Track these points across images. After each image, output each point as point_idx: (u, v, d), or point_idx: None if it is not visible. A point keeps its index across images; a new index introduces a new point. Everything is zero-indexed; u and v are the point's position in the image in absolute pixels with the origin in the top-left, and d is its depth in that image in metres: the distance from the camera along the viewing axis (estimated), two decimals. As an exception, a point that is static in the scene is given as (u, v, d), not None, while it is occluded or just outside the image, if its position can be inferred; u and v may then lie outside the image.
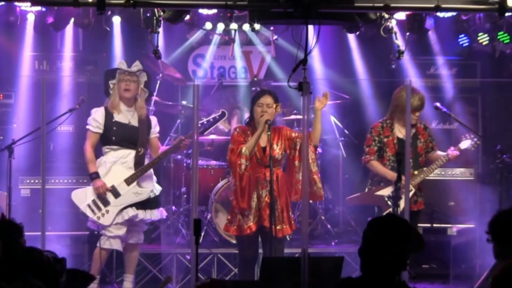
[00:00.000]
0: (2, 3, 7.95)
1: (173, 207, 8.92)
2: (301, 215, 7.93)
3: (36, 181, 8.46)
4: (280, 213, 7.02)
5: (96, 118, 7.41)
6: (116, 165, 7.39)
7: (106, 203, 7.34)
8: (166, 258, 8.32)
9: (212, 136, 9.12)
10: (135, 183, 7.38)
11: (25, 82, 9.02)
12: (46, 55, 9.22)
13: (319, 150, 9.09)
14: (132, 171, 7.39)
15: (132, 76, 7.44)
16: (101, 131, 7.41)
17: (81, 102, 7.76)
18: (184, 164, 8.89)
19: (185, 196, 8.84)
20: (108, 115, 7.42)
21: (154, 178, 7.66)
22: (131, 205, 7.36)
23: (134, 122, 7.47)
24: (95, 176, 7.35)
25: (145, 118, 7.53)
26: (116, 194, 7.34)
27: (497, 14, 6.74)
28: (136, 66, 7.52)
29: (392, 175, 7.27)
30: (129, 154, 7.41)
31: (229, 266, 8.30)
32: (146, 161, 7.50)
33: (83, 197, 7.40)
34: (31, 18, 8.70)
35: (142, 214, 7.41)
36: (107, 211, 7.33)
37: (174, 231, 8.80)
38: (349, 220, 9.13)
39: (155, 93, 9.03)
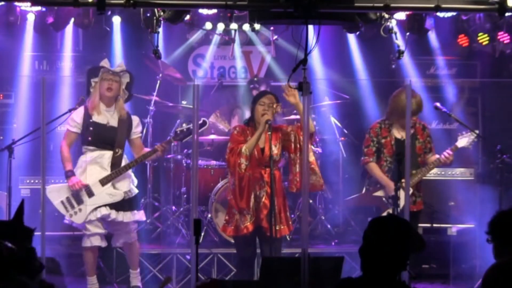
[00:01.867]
0: (2, 3, 7.95)
1: (173, 207, 8.92)
2: (301, 215, 7.92)
3: (36, 181, 8.47)
4: (277, 214, 7.01)
5: (74, 118, 7.47)
6: (91, 164, 7.42)
7: (79, 201, 7.38)
8: (166, 258, 8.32)
9: (212, 136, 9.12)
10: (109, 184, 7.40)
11: (25, 82, 9.02)
12: (46, 55, 9.22)
13: (319, 150, 9.11)
14: (107, 172, 7.41)
15: (115, 76, 7.47)
16: (79, 130, 7.47)
17: (81, 102, 7.75)
18: (184, 164, 8.89)
19: (185, 196, 8.84)
20: (87, 115, 7.46)
21: (135, 180, 7.67)
22: (105, 205, 7.37)
23: (113, 123, 7.49)
24: (70, 174, 7.40)
25: (125, 119, 7.54)
26: (90, 194, 7.38)
27: (497, 14, 6.74)
28: (120, 67, 7.55)
29: (387, 181, 7.28)
30: (105, 155, 7.43)
31: (229, 266, 8.30)
32: (124, 163, 7.51)
33: (58, 193, 7.43)
34: (31, 18, 8.70)
35: (114, 215, 7.41)
36: (80, 210, 7.38)
37: (174, 231, 8.80)
38: (349, 220, 9.12)
39: (154, 93, 9.04)
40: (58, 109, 8.29)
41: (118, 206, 7.42)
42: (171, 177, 8.96)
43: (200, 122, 7.51)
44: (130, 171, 7.59)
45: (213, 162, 8.93)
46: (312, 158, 7.17)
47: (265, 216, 6.96)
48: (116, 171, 7.39)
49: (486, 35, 9.09)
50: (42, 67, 9.19)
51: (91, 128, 7.43)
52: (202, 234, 8.25)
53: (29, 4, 7.69)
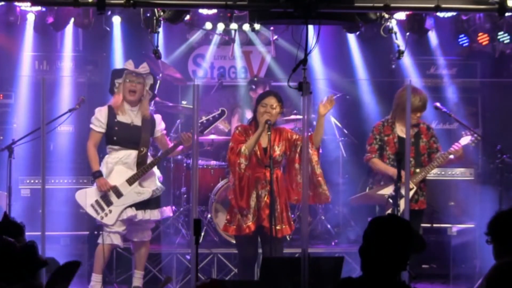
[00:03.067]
0: (2, 3, 7.94)
1: (173, 207, 8.92)
2: (301, 215, 7.93)
3: (36, 181, 8.47)
4: (279, 214, 7.03)
5: (99, 117, 7.45)
6: (117, 165, 7.43)
7: (109, 203, 7.36)
8: (166, 258, 8.32)
9: (212, 136, 9.12)
10: (137, 183, 7.40)
11: (25, 82, 9.02)
12: (46, 55, 9.22)
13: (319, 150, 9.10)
14: (133, 171, 7.41)
15: (138, 77, 7.47)
16: (103, 130, 7.45)
17: (81, 102, 7.77)
18: (184, 164, 8.89)
19: (185, 196, 8.84)
20: (111, 115, 7.45)
21: (160, 177, 7.67)
22: (130, 206, 7.37)
23: (137, 122, 7.49)
24: (98, 174, 7.38)
25: (149, 118, 7.55)
26: (119, 194, 7.37)
27: (497, 14, 6.74)
28: (144, 68, 7.54)
29: (393, 171, 7.25)
30: (130, 155, 7.43)
31: (229, 266, 8.30)
32: (149, 161, 7.51)
33: (87, 197, 7.44)
34: (31, 18, 8.69)
35: (141, 215, 7.42)
36: (110, 211, 7.36)
37: (174, 231, 8.80)
38: (349, 220, 9.13)
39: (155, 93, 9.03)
40: (58, 109, 8.30)
41: (144, 205, 7.42)
42: (171, 177, 8.96)
43: (219, 112, 7.59)
44: (155, 172, 7.59)
45: (213, 162, 8.93)
46: (319, 170, 7.17)
47: (267, 216, 6.96)
48: (142, 169, 7.40)
49: (486, 35, 9.08)
50: (42, 67, 9.19)
51: (116, 128, 7.43)
52: (202, 234, 8.24)
53: (29, 4, 7.68)
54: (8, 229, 4.53)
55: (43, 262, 4.24)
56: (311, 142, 7.03)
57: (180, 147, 7.54)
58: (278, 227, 6.98)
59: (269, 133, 6.90)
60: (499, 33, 8.95)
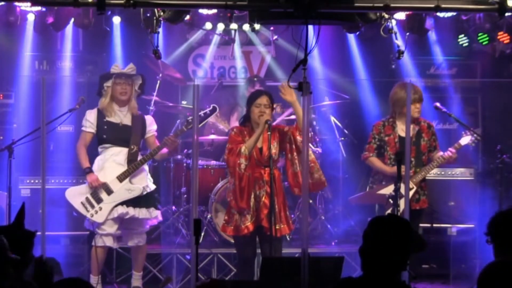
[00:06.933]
0: (2, 3, 7.94)
1: (173, 207, 8.92)
2: (301, 214, 7.92)
3: (36, 181, 8.47)
4: (278, 213, 7.01)
5: (88, 118, 7.56)
6: (108, 162, 7.48)
7: (99, 200, 7.40)
8: (166, 258, 8.32)
9: (212, 136, 9.13)
10: (127, 179, 7.44)
11: (25, 82, 9.03)
12: (46, 55, 9.22)
13: (319, 150, 9.11)
14: (124, 168, 7.45)
15: (127, 79, 7.53)
16: (93, 130, 7.54)
17: (81, 102, 7.79)
18: (184, 164, 8.90)
19: (185, 196, 8.84)
20: (100, 115, 7.55)
21: (150, 178, 7.69)
22: (121, 203, 7.39)
23: (127, 121, 7.57)
24: (88, 170, 7.45)
25: (139, 117, 7.61)
26: (109, 191, 7.41)
27: (497, 14, 6.75)
28: (131, 68, 7.58)
29: (390, 170, 7.31)
30: (121, 152, 7.49)
31: (229, 266, 8.30)
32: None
33: (77, 195, 7.47)
34: (31, 18, 8.69)
35: (132, 211, 7.43)
36: (100, 208, 7.39)
37: (174, 231, 8.81)
38: (349, 220, 9.13)
39: (154, 93, 9.04)
40: (58, 109, 8.29)
41: (134, 202, 7.46)
42: (171, 177, 8.96)
43: (210, 108, 7.62)
44: (146, 169, 7.62)
45: (213, 162, 8.93)
46: (311, 156, 7.18)
47: (266, 216, 6.96)
48: (132, 165, 7.45)
49: (486, 35, 9.08)
50: (42, 67, 9.19)
51: (105, 127, 7.52)
52: (202, 234, 8.25)
53: (29, 4, 7.68)
54: (17, 237, 4.29)
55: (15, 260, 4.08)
56: (299, 129, 6.99)
57: (166, 150, 7.57)
58: (276, 227, 6.97)
59: (269, 133, 6.90)
60: (499, 33, 8.95)
